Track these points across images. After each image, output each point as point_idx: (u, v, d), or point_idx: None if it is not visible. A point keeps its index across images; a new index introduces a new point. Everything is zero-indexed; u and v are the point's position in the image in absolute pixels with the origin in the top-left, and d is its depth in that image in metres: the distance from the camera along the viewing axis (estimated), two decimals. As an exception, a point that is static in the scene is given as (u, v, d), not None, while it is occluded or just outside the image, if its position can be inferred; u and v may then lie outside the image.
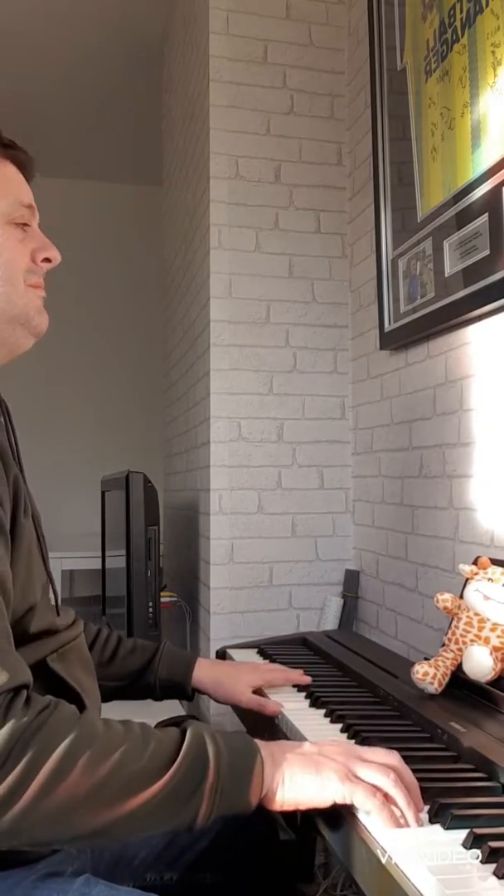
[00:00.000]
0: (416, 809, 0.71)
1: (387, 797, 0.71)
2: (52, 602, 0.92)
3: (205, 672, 1.13)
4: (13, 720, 0.65)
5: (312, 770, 0.74)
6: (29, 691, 0.70)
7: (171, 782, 0.69)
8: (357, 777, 0.73)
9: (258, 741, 0.76)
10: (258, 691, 1.13)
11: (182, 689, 1.12)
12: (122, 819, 0.67)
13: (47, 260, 0.91)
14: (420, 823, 0.70)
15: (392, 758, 0.76)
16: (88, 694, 0.89)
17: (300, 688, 1.17)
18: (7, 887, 0.76)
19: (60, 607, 0.94)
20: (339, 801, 0.72)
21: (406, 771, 0.75)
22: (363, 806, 0.71)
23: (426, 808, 0.73)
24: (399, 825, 0.69)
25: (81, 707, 0.87)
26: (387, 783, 0.72)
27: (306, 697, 1.12)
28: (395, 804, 0.71)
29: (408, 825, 0.70)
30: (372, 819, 0.70)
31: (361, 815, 0.72)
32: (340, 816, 0.74)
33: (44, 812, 0.64)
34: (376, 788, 0.72)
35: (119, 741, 0.69)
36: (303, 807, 0.74)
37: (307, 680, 1.17)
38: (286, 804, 0.73)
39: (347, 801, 0.72)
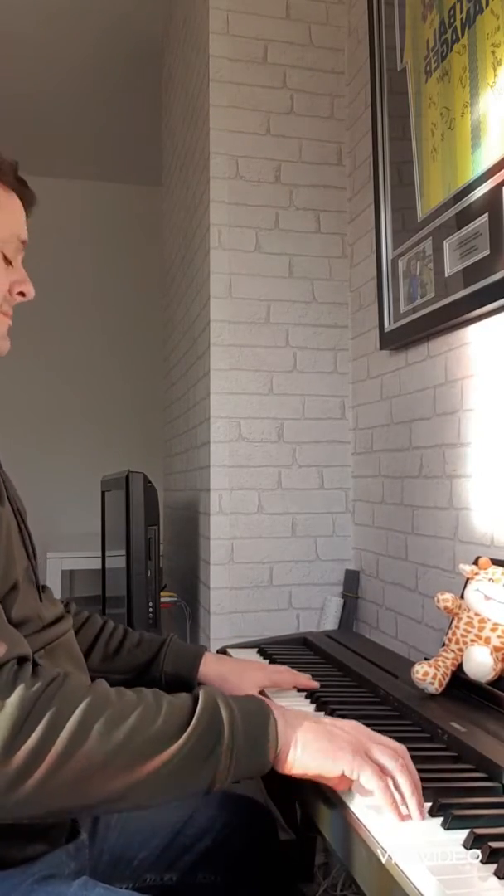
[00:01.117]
0: (419, 799, 0.72)
1: (393, 782, 0.72)
2: (33, 583, 0.91)
3: (210, 667, 1.12)
4: (22, 686, 0.66)
5: (325, 739, 0.75)
6: (33, 663, 0.71)
7: (187, 745, 0.70)
8: (367, 755, 0.74)
9: (270, 703, 0.77)
10: (261, 692, 1.12)
11: (188, 684, 1.12)
12: (140, 783, 0.68)
13: (22, 294, 0.95)
14: (423, 815, 0.71)
15: (399, 745, 0.77)
16: None
17: (300, 688, 1.17)
18: (4, 890, 0.76)
19: (48, 598, 0.94)
20: (347, 773, 0.73)
21: (412, 764, 0.76)
22: (368, 784, 0.72)
23: (427, 807, 0.73)
24: (400, 813, 0.70)
25: None
26: (396, 767, 0.73)
27: (306, 697, 1.12)
28: (400, 790, 0.72)
29: (409, 815, 0.70)
30: (371, 816, 0.70)
31: (362, 814, 0.72)
32: (341, 816, 0.75)
33: (62, 780, 0.65)
34: (384, 771, 0.72)
35: (132, 707, 0.70)
36: (311, 772, 0.74)
37: (315, 685, 1.15)
38: (296, 768, 0.74)
39: (354, 777, 0.73)
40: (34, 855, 0.81)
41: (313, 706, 1.09)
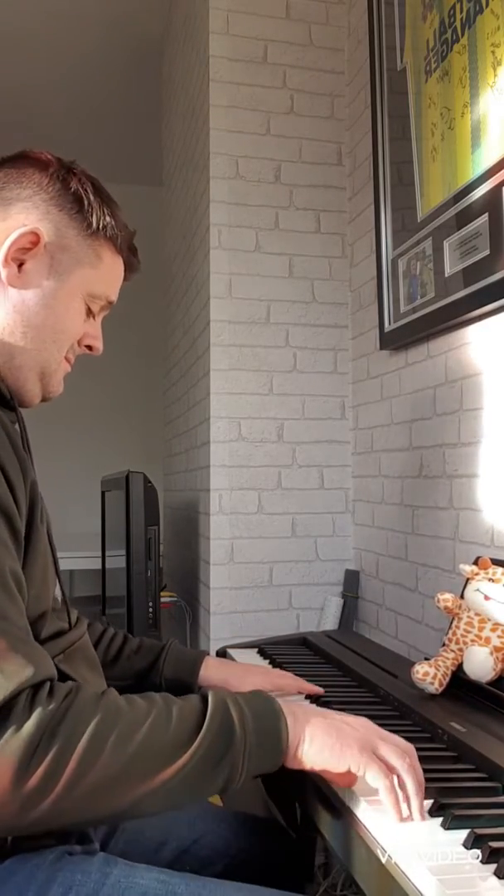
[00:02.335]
0: (422, 800, 0.72)
1: (397, 783, 0.72)
2: (61, 605, 0.92)
3: (212, 672, 1.11)
4: (39, 709, 0.66)
5: (333, 734, 0.75)
6: (53, 682, 0.71)
7: (200, 750, 0.70)
8: (375, 753, 0.74)
9: (279, 700, 0.77)
10: None
11: (189, 689, 1.11)
12: (154, 792, 0.69)
13: (89, 348, 0.98)
14: (423, 817, 0.71)
15: (408, 745, 0.77)
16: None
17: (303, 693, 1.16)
18: (29, 870, 0.76)
19: (71, 608, 0.94)
20: (354, 770, 0.73)
21: (418, 764, 0.76)
22: (373, 782, 0.72)
23: (427, 807, 0.73)
24: (400, 813, 0.70)
25: None
26: (403, 766, 0.73)
27: (306, 696, 1.12)
28: (404, 789, 0.72)
29: (410, 816, 0.70)
30: (371, 816, 0.70)
31: (362, 814, 0.72)
32: (341, 816, 0.75)
33: (79, 795, 0.66)
34: (390, 769, 0.73)
35: (143, 716, 0.71)
36: (318, 768, 0.75)
37: (320, 691, 1.13)
38: (304, 763, 0.75)
39: (360, 773, 0.73)
40: (48, 845, 0.81)
41: (314, 706, 1.08)
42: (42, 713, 0.66)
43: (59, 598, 0.91)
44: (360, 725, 0.77)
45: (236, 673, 1.12)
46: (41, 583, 0.82)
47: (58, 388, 0.96)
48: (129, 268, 0.99)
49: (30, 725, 0.65)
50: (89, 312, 0.95)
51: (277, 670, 1.20)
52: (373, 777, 0.72)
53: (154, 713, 0.71)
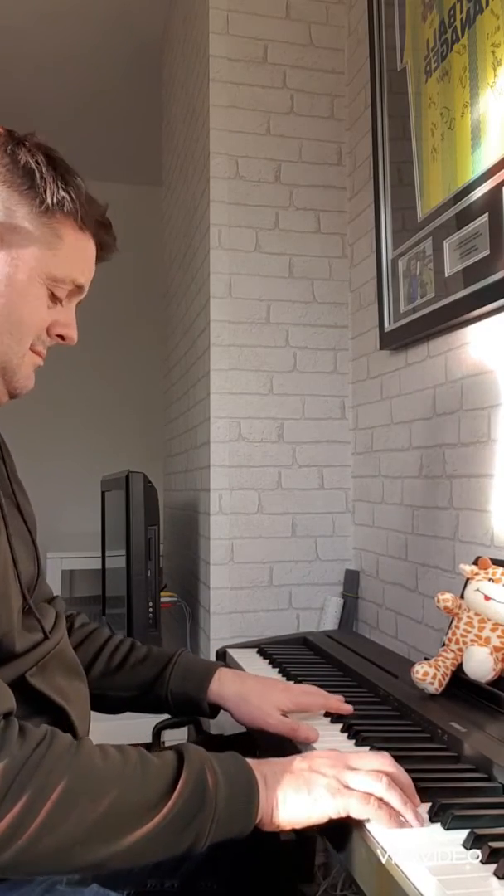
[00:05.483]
0: (413, 808, 0.71)
1: (382, 801, 0.71)
2: (31, 616, 0.87)
3: (227, 686, 1.03)
4: (8, 757, 0.65)
5: (304, 789, 0.73)
6: (18, 719, 0.69)
7: (170, 815, 0.68)
8: (348, 788, 0.72)
9: (251, 762, 0.75)
10: (284, 714, 1.01)
11: (197, 705, 1.04)
12: (120, 852, 0.67)
13: (61, 337, 0.90)
14: (420, 821, 0.70)
15: (383, 761, 0.75)
16: (72, 702, 0.87)
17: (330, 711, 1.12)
18: None
19: (42, 608, 0.91)
20: (335, 816, 0.72)
21: (399, 771, 0.75)
22: (360, 815, 0.71)
23: (427, 808, 0.73)
24: (400, 823, 0.70)
25: (66, 720, 0.84)
26: (379, 788, 0.71)
27: (325, 715, 1.11)
28: (391, 807, 0.71)
29: (408, 824, 0.70)
30: (373, 824, 0.70)
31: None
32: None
33: (42, 850, 0.64)
34: (369, 795, 0.71)
35: (117, 775, 0.69)
36: (299, 826, 0.73)
37: (349, 709, 1.02)
38: (282, 826, 0.73)
39: (343, 815, 0.71)
40: None
41: (339, 726, 1.03)
42: (11, 761, 0.64)
43: (28, 609, 0.87)
44: (328, 766, 0.75)
45: (255, 689, 1.03)
46: (0, 600, 0.79)
47: (26, 382, 0.88)
48: (103, 246, 0.90)
49: None
50: (54, 298, 0.86)
51: (301, 686, 1.08)
52: (356, 812, 0.71)
53: (127, 772, 0.70)
